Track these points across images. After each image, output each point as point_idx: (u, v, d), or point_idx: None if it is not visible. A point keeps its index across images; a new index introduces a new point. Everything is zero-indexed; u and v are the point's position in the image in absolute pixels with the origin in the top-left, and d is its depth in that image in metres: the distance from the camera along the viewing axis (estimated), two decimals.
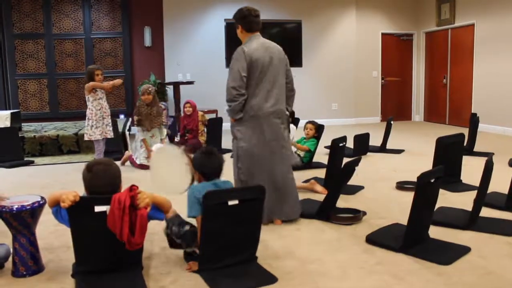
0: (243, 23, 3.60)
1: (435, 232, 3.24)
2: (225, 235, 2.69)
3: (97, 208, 2.48)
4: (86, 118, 5.84)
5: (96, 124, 5.77)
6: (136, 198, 2.46)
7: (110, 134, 5.99)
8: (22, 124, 7.82)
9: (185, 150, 3.05)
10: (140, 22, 9.59)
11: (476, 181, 3.73)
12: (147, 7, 9.58)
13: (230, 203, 2.65)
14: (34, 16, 9.23)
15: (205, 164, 2.89)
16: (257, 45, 3.53)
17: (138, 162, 6.02)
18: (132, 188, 2.49)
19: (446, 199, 4.13)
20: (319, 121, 6.14)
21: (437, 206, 3.32)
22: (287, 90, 3.72)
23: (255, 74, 3.47)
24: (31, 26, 9.24)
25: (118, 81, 5.99)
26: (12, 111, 7.52)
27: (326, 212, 3.68)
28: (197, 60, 9.67)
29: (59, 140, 7.11)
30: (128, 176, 5.11)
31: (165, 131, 6.55)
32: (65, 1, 9.31)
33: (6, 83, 9.24)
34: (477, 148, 6.42)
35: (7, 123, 6.99)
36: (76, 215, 2.50)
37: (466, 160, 5.03)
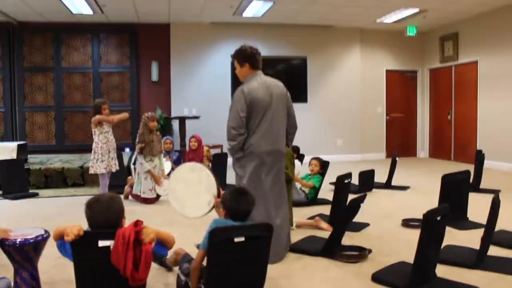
0: (250, 61, 3.64)
1: (442, 271, 3.19)
2: (231, 273, 2.64)
3: (101, 243, 2.46)
4: (92, 151, 5.86)
5: (101, 157, 5.78)
6: (141, 233, 2.44)
7: (115, 168, 6.00)
8: (28, 155, 7.87)
9: None
10: (148, 57, 9.75)
11: (482, 218, 3.70)
12: (155, 42, 9.76)
13: (236, 240, 2.62)
14: (44, 49, 9.42)
15: (234, 204, 2.85)
16: (257, 84, 3.57)
17: (142, 196, 5.99)
18: (137, 223, 2.47)
19: (452, 237, 4.07)
20: (324, 157, 6.14)
21: (443, 244, 3.27)
22: (289, 126, 3.76)
23: (255, 114, 3.52)
24: (41, 59, 9.42)
25: (124, 115, 6.04)
26: (18, 143, 7.58)
27: (331, 249, 3.63)
28: (203, 95, 9.77)
29: (64, 173, 7.13)
30: (132, 210, 5.10)
31: (165, 161, 6.52)
32: (75, 36, 9.52)
33: (14, 114, 9.36)
34: (483, 185, 6.38)
35: (14, 155, 7.04)
36: (79, 249, 2.47)
37: (473, 197, 4.99)
